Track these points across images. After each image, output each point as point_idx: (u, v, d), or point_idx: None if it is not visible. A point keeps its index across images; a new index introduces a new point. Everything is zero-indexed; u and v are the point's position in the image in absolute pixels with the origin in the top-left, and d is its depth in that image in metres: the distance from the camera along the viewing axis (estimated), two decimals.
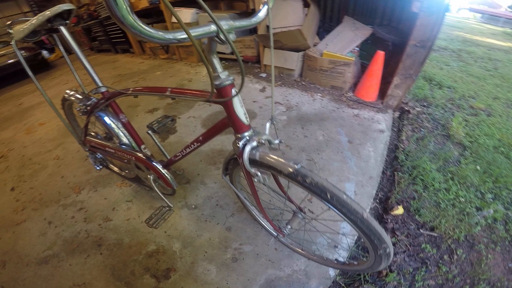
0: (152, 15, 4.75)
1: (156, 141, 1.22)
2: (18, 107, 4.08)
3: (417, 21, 1.81)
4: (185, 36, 0.52)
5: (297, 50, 2.69)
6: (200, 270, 1.21)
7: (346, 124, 1.99)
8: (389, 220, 1.36)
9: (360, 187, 1.50)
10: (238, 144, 0.80)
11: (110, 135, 1.32)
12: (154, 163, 1.18)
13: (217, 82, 0.70)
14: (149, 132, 1.18)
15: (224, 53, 3.68)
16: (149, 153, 1.24)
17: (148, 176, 1.26)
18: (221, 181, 1.64)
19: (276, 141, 0.83)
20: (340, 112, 2.15)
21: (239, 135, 0.80)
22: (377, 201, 1.49)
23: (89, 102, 1.21)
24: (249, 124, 0.80)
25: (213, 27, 0.57)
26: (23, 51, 5.92)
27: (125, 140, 1.25)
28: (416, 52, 1.92)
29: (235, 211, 1.45)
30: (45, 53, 7.09)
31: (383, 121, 2.03)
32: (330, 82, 2.54)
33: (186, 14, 3.56)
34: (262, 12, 0.71)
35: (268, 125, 0.84)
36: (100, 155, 1.54)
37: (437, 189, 1.50)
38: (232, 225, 1.39)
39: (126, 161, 1.29)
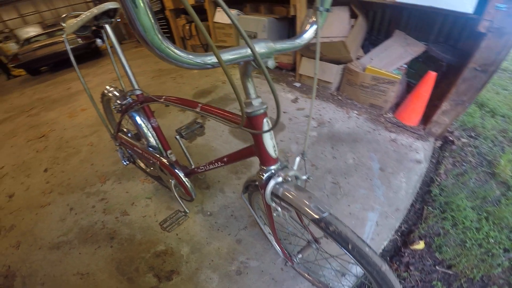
0: (196, 12, 5.01)
1: (183, 147, 1.27)
2: (67, 91, 4.55)
3: (483, 42, 1.67)
4: (216, 60, 0.48)
5: (337, 62, 2.66)
6: (202, 277, 1.27)
7: (380, 149, 1.92)
8: (406, 254, 1.34)
9: (383, 218, 1.46)
10: (262, 176, 0.78)
11: (139, 135, 1.43)
12: (177, 171, 1.25)
13: (248, 110, 0.67)
14: (177, 137, 1.23)
15: None
16: (174, 159, 1.30)
17: (170, 180, 1.34)
18: (239, 191, 1.69)
19: (304, 177, 0.79)
20: (376, 134, 2.08)
21: (264, 167, 0.79)
22: (399, 233, 1.45)
23: (124, 102, 1.31)
24: (277, 157, 0.78)
25: (249, 51, 0.53)
26: (79, 39, 6.57)
27: (153, 142, 1.34)
28: (475, 76, 1.79)
29: (248, 225, 1.49)
30: (99, 41, 7.80)
31: (422, 150, 1.93)
32: (370, 100, 2.47)
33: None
34: (309, 34, 0.66)
35: (298, 159, 0.81)
36: (129, 151, 1.68)
37: (467, 227, 1.43)
38: (243, 238, 1.43)
39: (151, 162, 1.39)
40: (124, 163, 1.66)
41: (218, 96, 3.09)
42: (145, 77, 4.37)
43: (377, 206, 1.53)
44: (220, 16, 3.91)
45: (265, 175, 0.78)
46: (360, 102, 2.56)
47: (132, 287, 1.28)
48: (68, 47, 1.22)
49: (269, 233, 1.27)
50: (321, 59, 2.71)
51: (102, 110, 1.64)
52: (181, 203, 1.36)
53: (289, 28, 3.71)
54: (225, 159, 0.99)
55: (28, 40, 7.03)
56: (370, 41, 3.01)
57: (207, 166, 1.09)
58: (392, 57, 2.54)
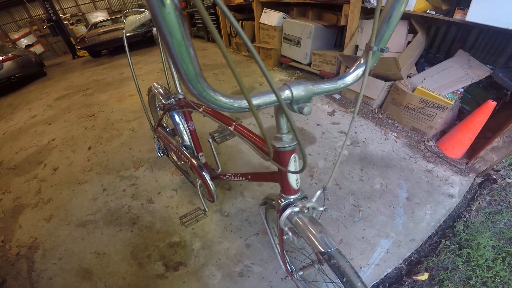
0: (245, 11, 5.35)
1: (214, 151, 1.39)
2: (120, 76, 5.09)
3: None
4: (259, 101, 0.52)
5: (385, 78, 2.62)
6: (206, 273, 1.42)
7: (412, 179, 1.89)
8: (405, 283, 1.36)
9: (395, 247, 1.49)
10: (280, 201, 0.86)
11: (175, 132, 1.59)
12: (204, 173, 1.39)
13: (277, 145, 0.71)
14: (210, 140, 1.36)
15: (300, 63, 3.79)
16: (203, 161, 1.45)
17: (196, 179, 1.49)
18: (258, 198, 1.80)
19: (321, 209, 0.85)
20: (411, 162, 2.04)
21: (283, 195, 0.86)
22: (406, 262, 1.46)
23: (167, 102, 1.43)
24: (298, 189, 0.85)
25: (287, 93, 0.54)
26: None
27: (187, 142, 1.49)
28: None
29: (260, 232, 1.60)
30: (154, 30, 8.58)
31: (458, 185, 1.86)
32: (413, 123, 2.40)
33: (273, 17, 3.87)
34: (354, 76, 0.64)
35: (318, 193, 0.85)
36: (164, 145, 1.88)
37: (478, 265, 1.40)
38: (252, 243, 1.55)
39: (183, 161, 1.55)
40: (159, 154, 1.86)
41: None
42: None
43: (393, 234, 1.55)
44: (266, 17, 4.03)
45: (283, 203, 0.86)
46: (402, 124, 2.49)
47: (141, 271, 1.48)
48: (126, 44, 1.38)
49: (278, 244, 1.37)
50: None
51: (147, 102, 1.86)
52: (203, 202, 1.51)
53: (337, 36, 3.71)
54: (249, 176, 1.11)
55: (95, 25, 7.99)
56: (427, 59, 2.90)
57: (232, 177, 1.23)
58: (449, 79, 2.44)
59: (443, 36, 2.91)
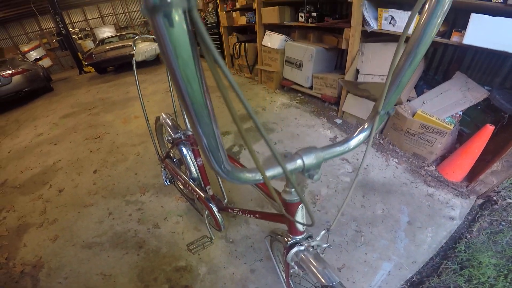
0: (247, 32, 5.50)
1: (221, 184, 1.45)
2: (125, 95, 5.20)
3: None
4: (272, 173, 0.54)
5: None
6: None
7: (413, 203, 1.94)
8: None
9: (397, 269, 1.53)
10: (287, 240, 0.93)
11: (182, 163, 1.62)
12: (211, 205, 1.44)
13: (286, 198, 0.78)
14: (217, 176, 1.42)
15: (301, 86, 3.84)
16: (211, 193, 1.49)
17: (204, 209, 1.53)
18: (262, 225, 1.84)
19: (325, 245, 0.92)
20: (412, 187, 2.09)
21: (290, 235, 0.92)
22: (408, 283, 1.50)
23: (176, 135, 1.47)
24: (304, 231, 0.91)
25: (298, 163, 0.57)
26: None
27: (195, 175, 1.54)
28: None
29: (264, 258, 1.64)
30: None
31: (459, 208, 1.90)
32: (413, 149, 2.45)
33: (275, 40, 3.95)
34: (359, 139, 0.65)
35: (322, 233, 0.91)
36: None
37: (481, 283, 1.43)
38: (256, 269, 1.58)
39: (191, 193, 1.59)
40: (166, 183, 1.88)
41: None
42: None
43: (394, 257, 1.59)
44: (268, 40, 4.11)
45: (290, 242, 0.93)
46: (403, 149, 2.54)
47: None
48: (135, 71, 1.43)
49: (282, 271, 1.41)
50: (367, 98, 2.76)
51: (154, 131, 1.89)
52: (209, 230, 1.56)
53: (338, 58, 3.77)
54: (257, 215, 1.18)
55: (102, 41, 8.22)
56: (425, 81, 2.94)
57: (240, 212, 1.29)
58: (448, 102, 2.48)
59: (441, 57, 2.97)
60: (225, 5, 5.41)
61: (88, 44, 11.34)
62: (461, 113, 2.48)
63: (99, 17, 13.20)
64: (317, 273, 0.84)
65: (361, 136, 0.65)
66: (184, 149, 1.50)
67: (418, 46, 0.50)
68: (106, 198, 2.25)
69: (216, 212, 1.43)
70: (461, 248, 1.62)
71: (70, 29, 10.05)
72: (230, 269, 1.60)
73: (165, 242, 1.80)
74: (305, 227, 0.91)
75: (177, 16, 0.27)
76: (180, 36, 0.28)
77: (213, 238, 1.57)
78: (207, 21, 6.65)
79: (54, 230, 2.03)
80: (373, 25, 2.70)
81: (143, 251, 1.76)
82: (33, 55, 10.78)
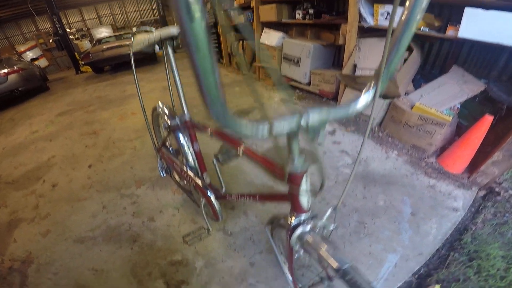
0: (246, 30, 5.38)
1: (219, 172, 1.33)
2: (122, 93, 5.09)
3: None
4: (259, 133, 0.49)
5: (383, 96, 2.63)
6: None
7: (415, 194, 1.86)
8: None
9: (403, 261, 1.45)
10: (291, 221, 0.85)
11: (180, 152, 1.55)
12: (209, 194, 1.36)
13: (291, 168, 0.72)
14: (214, 161, 1.28)
15: (299, 82, 3.79)
16: (208, 181, 1.40)
17: (201, 199, 1.44)
18: (262, 217, 1.75)
19: (332, 227, 0.84)
20: (413, 179, 2.02)
21: (295, 214, 0.84)
22: (416, 276, 1.41)
23: (172, 122, 1.39)
24: (309, 208, 0.83)
25: (304, 118, 0.53)
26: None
27: (191, 163, 1.46)
28: None
29: (264, 250, 1.54)
30: (157, 48, 8.68)
31: (461, 199, 1.83)
32: (413, 141, 2.39)
33: (273, 37, 3.91)
34: (365, 100, 0.62)
35: (329, 211, 0.84)
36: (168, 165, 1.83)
37: (491, 275, 1.36)
38: (256, 262, 1.49)
39: (188, 181, 1.50)
40: (162, 174, 1.80)
41: (255, 119, 3.22)
42: (192, 88, 4.70)
43: (400, 249, 1.51)
44: (266, 37, 4.08)
45: (294, 222, 0.84)
46: (402, 141, 2.48)
47: None
48: (133, 62, 1.36)
49: (284, 263, 1.32)
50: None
51: (151, 122, 1.81)
52: (206, 221, 1.47)
53: (335, 55, 3.74)
54: (257, 197, 1.08)
55: (99, 41, 8.07)
56: (423, 75, 2.92)
57: (239, 197, 1.20)
58: (446, 95, 2.44)
59: (437, 51, 2.93)
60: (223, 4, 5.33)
61: (85, 44, 11.19)
62: (459, 105, 2.44)
63: (96, 18, 13.04)
64: (326, 256, 0.75)
65: (365, 98, 0.62)
66: (180, 135, 1.42)
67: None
68: (100, 192, 2.15)
69: (213, 201, 1.35)
70: (467, 240, 1.55)
71: (67, 29, 9.87)
72: (228, 263, 1.50)
73: (160, 235, 1.70)
74: (309, 204, 0.82)
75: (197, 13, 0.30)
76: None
77: (210, 229, 1.48)
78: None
79: (46, 225, 1.93)
80: (370, 21, 2.67)
81: (137, 245, 1.66)
82: (29, 55, 10.59)
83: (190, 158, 1.44)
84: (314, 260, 1.15)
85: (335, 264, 0.72)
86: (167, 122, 1.43)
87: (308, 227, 0.82)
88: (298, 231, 0.82)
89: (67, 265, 1.59)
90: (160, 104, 1.57)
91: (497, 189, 1.92)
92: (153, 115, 1.76)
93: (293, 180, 0.75)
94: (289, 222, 0.85)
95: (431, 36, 2.38)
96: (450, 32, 2.16)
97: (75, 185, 2.30)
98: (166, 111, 1.50)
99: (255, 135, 0.48)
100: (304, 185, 0.77)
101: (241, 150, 0.98)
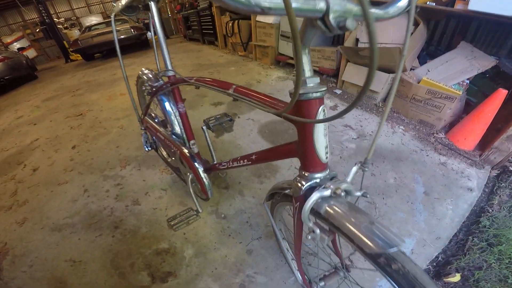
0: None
1: (208, 139, 1.19)
2: (112, 77, 4.82)
3: None
4: (273, 5, 0.34)
5: (388, 70, 2.43)
6: (201, 285, 1.16)
7: (426, 172, 1.68)
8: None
9: (420, 246, 1.27)
10: (302, 184, 0.61)
11: (165, 120, 1.37)
12: (196, 164, 1.16)
13: (300, 91, 0.50)
14: (204, 128, 1.16)
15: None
16: (196, 150, 1.22)
17: (188, 173, 1.26)
18: (260, 197, 1.56)
19: (358, 193, 0.59)
20: (423, 155, 1.83)
21: (306, 173, 0.61)
22: (434, 264, 1.24)
23: (156, 84, 1.25)
24: (327, 162, 0.60)
25: (321, 4, 0.36)
26: (133, 30, 7.00)
27: (177, 130, 1.28)
28: None
29: (264, 235, 1.35)
30: (149, 34, 8.32)
31: (475, 178, 1.66)
32: (420, 116, 2.20)
33: None
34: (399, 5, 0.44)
35: (354, 169, 0.61)
36: (153, 137, 1.64)
37: None
38: (254, 249, 1.29)
39: (172, 151, 1.32)
40: (146, 148, 1.62)
41: None
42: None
43: (416, 233, 1.33)
44: (263, 15, 3.85)
45: (306, 184, 0.60)
46: (408, 117, 2.29)
47: (122, 282, 1.21)
48: (114, 29, 1.21)
49: (288, 250, 1.12)
50: (368, 66, 2.50)
51: (136, 92, 1.61)
52: (195, 201, 1.26)
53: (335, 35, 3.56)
54: (253, 157, 0.84)
55: (89, 28, 7.68)
56: (428, 52, 2.75)
57: (230, 163, 0.98)
58: (454, 70, 2.26)
59: (443, 29, 2.75)
60: None
61: (75, 33, 10.70)
62: (468, 81, 2.26)
63: (85, 6, 12.50)
64: (360, 235, 0.49)
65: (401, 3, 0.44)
66: (164, 98, 1.24)
67: None
68: (83, 174, 1.93)
69: (201, 173, 1.15)
70: (486, 223, 1.38)
71: (55, 19, 9.44)
72: (222, 251, 1.30)
73: (145, 220, 1.50)
74: (328, 156, 0.58)
75: None
76: None
77: (200, 211, 1.26)
78: (198, 4, 6.23)
79: (23, 212, 1.72)
80: None
81: (119, 232, 1.45)
82: (17, 46, 10.27)
83: (176, 124, 1.25)
84: (330, 244, 0.92)
85: (375, 247, 0.47)
86: (149, 85, 1.26)
87: (327, 192, 0.56)
88: (313, 197, 0.56)
89: (43, 256, 1.40)
90: (144, 70, 1.40)
91: (511, 168, 1.75)
92: (138, 84, 1.56)
93: (305, 111, 0.53)
94: (298, 188, 0.61)
95: (439, 10, 2.19)
96: (459, 5, 1.97)
97: (56, 168, 2.09)
98: (150, 76, 1.34)
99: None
100: (321, 125, 0.54)
101: (231, 91, 0.78)
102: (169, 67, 1.12)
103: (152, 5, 1.09)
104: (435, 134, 2.06)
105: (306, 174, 0.61)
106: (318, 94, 0.51)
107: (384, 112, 0.50)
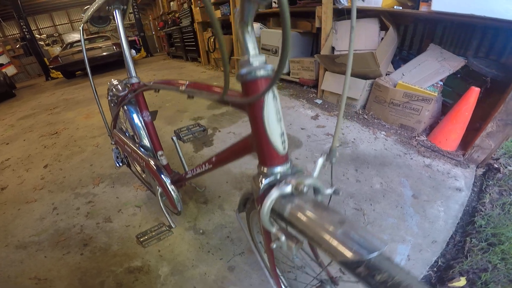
0: (223, 28, 5.08)
1: (179, 149, 1.07)
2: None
3: None
4: None
5: (364, 77, 2.38)
6: None
7: (412, 175, 1.59)
8: None
9: (416, 252, 1.15)
10: (260, 182, 0.50)
11: (132, 131, 1.23)
12: (163, 176, 1.02)
13: (244, 70, 0.44)
14: (174, 138, 1.05)
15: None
16: (164, 162, 1.08)
17: (158, 187, 1.11)
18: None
19: (328, 191, 0.50)
20: (407, 158, 1.75)
21: (264, 169, 0.51)
22: (435, 269, 1.13)
23: (121, 94, 1.14)
24: (286, 154, 0.50)
25: None
26: (114, 47, 6.71)
27: (145, 141, 1.14)
28: None
29: (246, 250, 1.20)
30: (132, 51, 8.12)
31: (462, 178, 1.58)
32: (400, 120, 2.14)
33: None
34: None
35: (320, 161, 0.52)
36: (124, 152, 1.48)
37: None
38: (236, 266, 1.14)
39: (141, 164, 1.18)
40: (117, 164, 1.46)
41: None
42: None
43: (409, 238, 1.21)
44: None
45: (265, 181, 0.49)
46: (389, 122, 2.23)
47: None
48: (83, 40, 1.22)
49: (264, 261, 0.96)
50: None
51: (109, 107, 1.47)
52: (167, 216, 1.11)
53: (313, 44, 3.54)
54: (213, 159, 0.74)
55: (71, 44, 7.34)
56: (401, 57, 2.75)
57: (195, 170, 0.85)
58: (427, 72, 2.24)
59: (413, 33, 2.77)
60: (198, 1, 4.98)
61: (56, 50, 10.28)
62: (441, 83, 2.25)
63: (68, 23, 12.14)
64: (330, 239, 0.37)
65: None
66: (132, 109, 1.12)
67: None
68: (53, 192, 1.74)
69: (168, 185, 1.01)
70: (481, 223, 1.29)
71: (37, 35, 9.05)
72: (201, 268, 1.14)
73: (116, 238, 1.32)
74: (286, 146, 0.48)
75: None
76: None
77: (173, 226, 1.10)
78: (181, 21, 6.13)
79: None
80: (344, 2, 2.45)
81: (89, 249, 1.27)
82: None
83: (142, 134, 1.12)
84: (301, 251, 0.80)
85: (349, 253, 0.35)
86: (113, 94, 1.16)
87: (287, 188, 0.45)
88: (272, 195, 0.45)
89: (5, 274, 1.22)
90: (113, 81, 1.27)
91: (495, 165, 1.69)
92: (109, 96, 1.41)
93: (252, 91, 0.45)
94: (257, 186, 0.50)
95: (405, 13, 2.23)
96: (423, 8, 2.02)
97: (26, 187, 1.88)
98: (119, 87, 1.20)
99: None
100: (272, 103, 0.45)
101: (184, 87, 0.71)
102: (133, 74, 1.02)
103: (117, 14, 1.02)
104: (416, 137, 1.99)
105: (264, 170, 0.50)
106: (263, 73, 0.44)
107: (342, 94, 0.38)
